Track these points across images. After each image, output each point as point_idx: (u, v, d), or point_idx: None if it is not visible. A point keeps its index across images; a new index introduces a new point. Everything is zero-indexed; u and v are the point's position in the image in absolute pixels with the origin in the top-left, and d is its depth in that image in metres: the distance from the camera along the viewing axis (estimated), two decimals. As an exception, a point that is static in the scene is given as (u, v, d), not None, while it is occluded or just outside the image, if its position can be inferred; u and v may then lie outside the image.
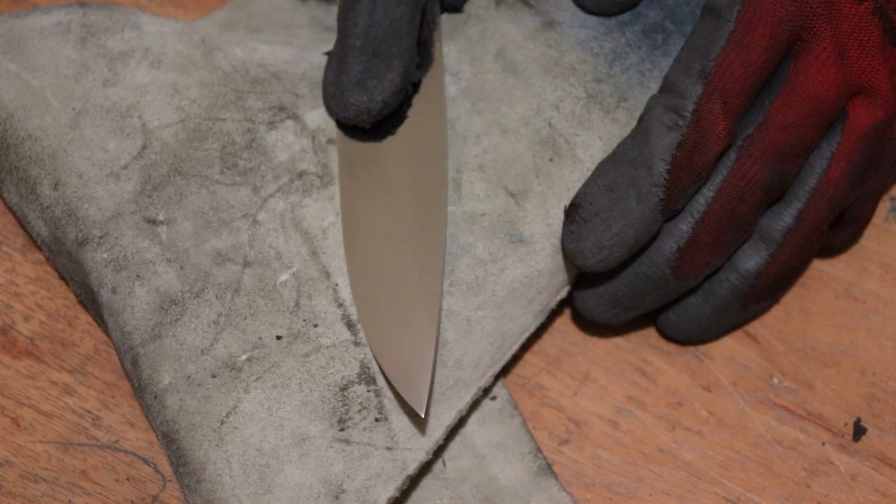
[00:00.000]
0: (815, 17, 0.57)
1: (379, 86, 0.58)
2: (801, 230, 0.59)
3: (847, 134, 0.58)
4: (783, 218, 0.59)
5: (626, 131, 0.60)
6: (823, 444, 0.61)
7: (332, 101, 0.59)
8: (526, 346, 0.62)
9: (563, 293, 0.60)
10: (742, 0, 0.56)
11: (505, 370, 0.61)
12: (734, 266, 0.59)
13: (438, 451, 0.58)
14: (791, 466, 0.60)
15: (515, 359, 0.62)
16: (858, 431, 0.61)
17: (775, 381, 0.62)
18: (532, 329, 0.59)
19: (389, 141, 0.59)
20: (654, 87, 0.61)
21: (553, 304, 0.60)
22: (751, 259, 0.59)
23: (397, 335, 0.56)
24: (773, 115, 0.57)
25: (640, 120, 0.57)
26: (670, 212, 0.57)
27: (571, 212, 0.57)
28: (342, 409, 0.56)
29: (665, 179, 0.56)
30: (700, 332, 0.61)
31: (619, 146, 0.58)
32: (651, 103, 0.57)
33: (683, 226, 0.58)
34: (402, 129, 0.60)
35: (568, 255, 0.57)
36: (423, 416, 0.54)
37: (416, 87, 0.60)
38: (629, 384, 0.62)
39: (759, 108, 0.58)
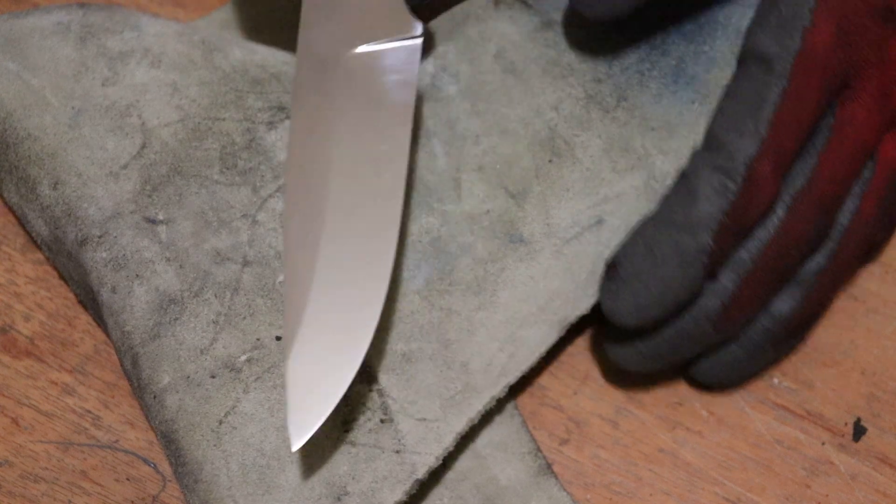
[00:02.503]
0: (866, 63, 0.55)
1: None
2: (833, 270, 0.58)
3: (879, 170, 0.57)
4: (817, 259, 0.57)
5: (626, 130, 0.60)
6: (823, 444, 0.61)
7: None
8: (526, 346, 0.62)
9: (583, 309, 0.59)
10: (795, 50, 0.54)
11: (505, 370, 0.61)
12: (768, 310, 0.58)
13: (448, 459, 0.57)
14: (791, 466, 0.60)
15: (515, 359, 0.62)
16: (858, 431, 0.61)
17: (775, 381, 0.62)
18: (550, 342, 0.58)
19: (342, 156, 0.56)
20: (653, 87, 0.61)
21: (573, 318, 0.58)
22: (784, 303, 0.58)
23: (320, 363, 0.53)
24: (821, 170, 0.56)
25: (686, 178, 0.55)
26: (712, 271, 0.55)
27: (611, 270, 0.56)
28: (345, 409, 0.56)
29: (710, 246, 0.54)
30: (734, 377, 0.60)
31: (662, 205, 0.56)
32: (697, 161, 0.55)
33: (727, 283, 0.56)
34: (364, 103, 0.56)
35: (605, 313, 0.56)
36: (292, 448, 0.52)
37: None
38: (629, 384, 0.62)
39: (804, 159, 0.56)
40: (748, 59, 0.55)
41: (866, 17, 0.54)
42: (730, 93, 0.55)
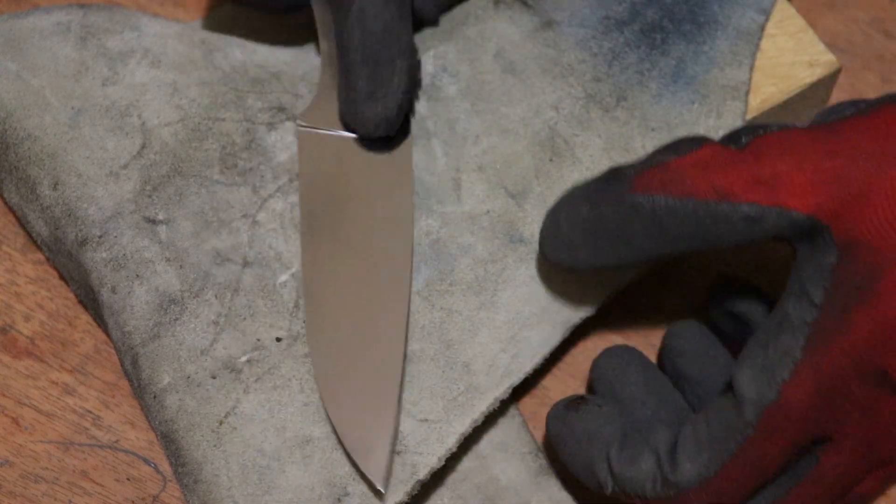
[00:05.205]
0: (848, 420, 0.51)
1: (388, 92, 0.57)
2: None
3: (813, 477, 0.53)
4: None
5: (626, 130, 0.60)
6: (823, 443, 0.61)
7: (349, 119, 0.58)
8: (526, 346, 0.62)
9: (587, 311, 0.58)
10: (769, 401, 0.50)
11: (505, 370, 0.61)
12: None
13: (450, 459, 0.57)
14: (791, 466, 0.60)
15: (515, 359, 0.62)
16: (858, 431, 0.61)
17: (775, 380, 0.62)
18: (553, 343, 0.58)
19: (353, 207, 0.58)
20: (653, 87, 0.61)
21: (576, 319, 0.58)
22: None
23: (357, 406, 0.54)
24: (787, 500, 0.53)
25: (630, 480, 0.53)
26: None
27: None
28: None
29: None
30: None
31: None
32: (646, 467, 0.53)
33: None
34: (368, 196, 0.58)
35: None
36: (382, 490, 0.53)
37: (410, 106, 0.60)
38: (629, 384, 0.62)
39: (771, 489, 0.52)
40: (729, 390, 0.52)
41: (854, 380, 0.50)
42: (701, 418, 0.52)
